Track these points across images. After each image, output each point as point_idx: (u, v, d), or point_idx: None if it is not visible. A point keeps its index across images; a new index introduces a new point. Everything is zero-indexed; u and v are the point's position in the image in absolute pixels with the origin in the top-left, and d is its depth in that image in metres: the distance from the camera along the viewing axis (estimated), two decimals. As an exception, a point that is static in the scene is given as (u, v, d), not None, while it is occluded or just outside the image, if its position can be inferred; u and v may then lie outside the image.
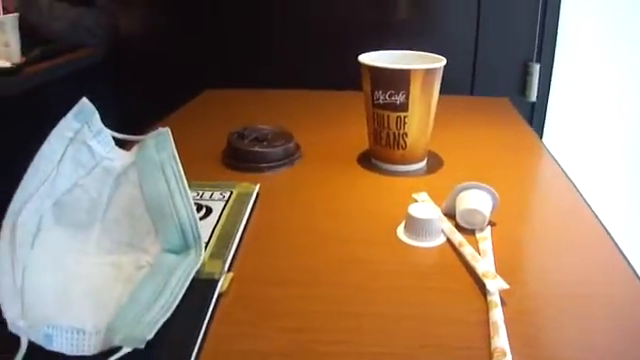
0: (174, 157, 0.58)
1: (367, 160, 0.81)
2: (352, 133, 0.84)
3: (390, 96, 0.71)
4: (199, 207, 0.66)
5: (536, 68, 1.46)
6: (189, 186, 0.72)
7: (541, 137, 1.55)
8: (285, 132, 0.85)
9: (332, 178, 0.77)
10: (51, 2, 1.46)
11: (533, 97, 1.50)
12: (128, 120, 1.37)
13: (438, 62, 0.73)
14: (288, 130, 0.85)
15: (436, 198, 0.68)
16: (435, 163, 0.80)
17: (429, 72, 0.71)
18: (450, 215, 0.63)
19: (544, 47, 1.44)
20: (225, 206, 0.67)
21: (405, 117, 0.72)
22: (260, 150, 0.79)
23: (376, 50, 0.79)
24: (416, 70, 0.70)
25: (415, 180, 0.75)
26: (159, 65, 1.58)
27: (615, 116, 1.48)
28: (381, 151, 0.77)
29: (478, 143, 0.91)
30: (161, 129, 0.59)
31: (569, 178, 0.75)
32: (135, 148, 0.60)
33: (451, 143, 0.88)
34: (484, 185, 0.61)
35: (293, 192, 0.73)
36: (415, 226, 0.58)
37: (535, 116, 1.54)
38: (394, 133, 0.74)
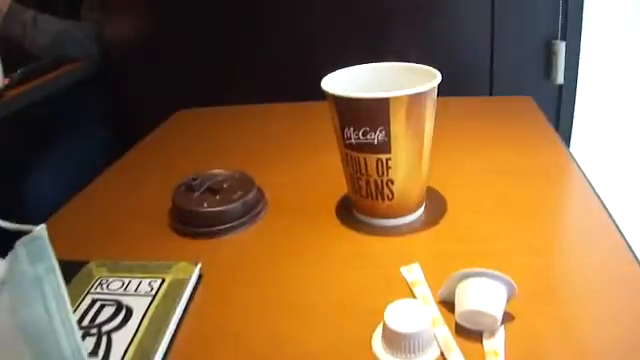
0: (54, 269, 0.40)
1: (348, 210, 0.62)
2: (332, 164, 0.64)
3: (364, 134, 0.52)
4: (118, 308, 0.50)
5: (561, 46, 1.23)
6: (116, 268, 0.56)
7: (571, 124, 1.33)
8: (245, 177, 0.67)
9: (300, 243, 0.58)
10: (35, 16, 1.34)
11: (560, 79, 1.27)
12: (122, 133, 1.29)
13: (428, 79, 0.53)
14: (249, 174, 0.67)
15: (434, 270, 0.49)
16: (435, 209, 0.61)
17: (415, 98, 0.51)
18: (450, 303, 0.44)
19: (569, 22, 1.21)
20: (151, 303, 0.49)
21: (388, 160, 0.53)
22: (211, 210, 0.61)
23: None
24: (397, 98, 0.50)
25: (407, 241, 0.56)
26: (149, 75, 1.41)
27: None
28: (362, 202, 0.58)
29: (493, 170, 0.70)
30: (36, 232, 0.42)
31: (617, 226, 0.54)
32: (7, 259, 0.43)
33: (458, 173, 0.69)
34: (494, 272, 0.42)
35: (248, 269, 0.55)
36: (393, 340, 0.39)
37: (563, 101, 1.31)
38: (375, 181, 0.55)
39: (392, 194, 0.55)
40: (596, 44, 1.24)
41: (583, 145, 1.32)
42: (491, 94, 1.29)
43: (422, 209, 0.60)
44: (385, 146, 0.52)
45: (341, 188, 0.63)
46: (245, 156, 0.82)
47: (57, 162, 1.26)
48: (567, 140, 1.30)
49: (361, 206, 0.59)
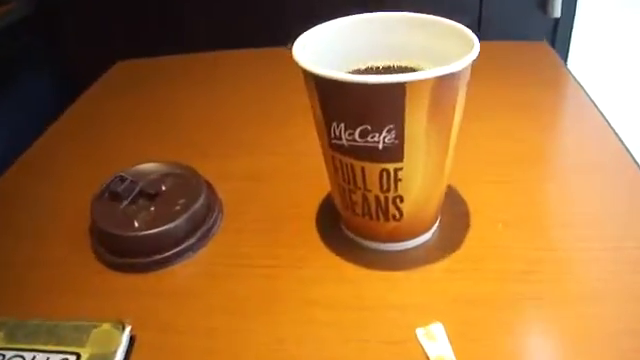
0: None
1: (334, 221, 0.43)
2: (311, 137, 0.41)
3: (363, 135, 0.33)
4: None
5: (561, -26, 1.03)
6: (16, 333, 0.37)
7: (565, 62, 1.15)
8: (189, 173, 0.46)
9: (268, 280, 0.39)
10: None
11: (557, 12, 1.07)
12: (64, 76, 1.09)
13: (458, 45, 0.33)
14: (194, 167, 0.47)
15: (464, 332, 0.32)
16: (453, 220, 0.42)
17: (445, 82, 0.31)
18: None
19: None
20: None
21: (397, 171, 0.34)
22: (143, 234, 0.41)
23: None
24: (417, 83, 0.30)
25: (419, 279, 0.38)
26: (93, 12, 1.14)
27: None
28: (356, 221, 0.39)
29: (520, 154, 0.51)
30: None
31: None
32: None
33: (477, 161, 0.49)
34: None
35: (197, 322, 0.36)
36: None
37: (558, 37, 1.12)
38: (377, 197, 0.36)
39: (400, 213, 0.37)
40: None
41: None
42: (479, 26, 1.08)
43: (437, 224, 0.42)
44: (395, 152, 0.33)
45: (324, 180, 0.44)
46: (194, 130, 0.60)
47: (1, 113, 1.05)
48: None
49: (354, 225, 0.40)
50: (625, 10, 1.06)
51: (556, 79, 0.66)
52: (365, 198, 0.36)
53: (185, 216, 0.42)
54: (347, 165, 0.35)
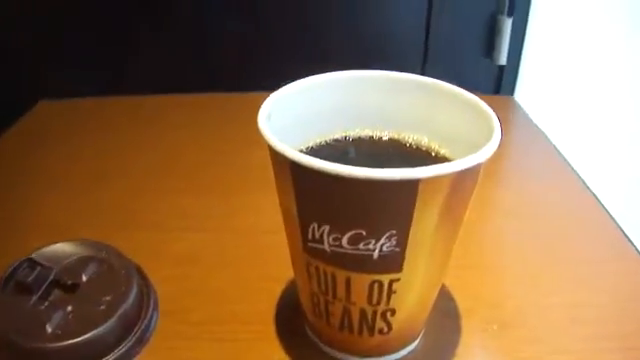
0: None
1: (300, 326, 0.34)
2: (268, 212, 0.34)
3: (354, 241, 0.24)
4: None
5: (507, 23, 0.99)
6: None
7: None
8: (117, 258, 0.35)
9: None
10: None
11: (502, 59, 1.04)
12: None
13: (474, 120, 0.26)
14: (119, 241, 0.36)
15: None
16: (441, 322, 0.34)
17: (465, 177, 0.23)
18: None
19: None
20: None
21: (393, 282, 0.26)
22: (55, 346, 0.30)
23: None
24: (433, 180, 0.22)
25: None
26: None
27: (605, 81, 1.07)
28: (330, 333, 0.30)
29: (505, 231, 0.45)
30: None
31: None
32: None
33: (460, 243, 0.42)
34: None
35: None
36: None
37: (503, 83, 1.09)
38: (363, 310, 0.27)
39: (389, 327, 0.28)
40: (546, 22, 1.02)
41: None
42: (424, 68, 1.04)
43: (422, 333, 0.33)
44: (393, 262, 0.25)
45: (284, 267, 0.34)
46: (122, 194, 0.48)
47: None
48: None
49: (327, 337, 0.30)
50: (570, 59, 1.05)
51: (529, 139, 0.60)
52: (347, 311, 0.27)
53: (112, 320, 0.31)
54: (327, 274, 0.26)
